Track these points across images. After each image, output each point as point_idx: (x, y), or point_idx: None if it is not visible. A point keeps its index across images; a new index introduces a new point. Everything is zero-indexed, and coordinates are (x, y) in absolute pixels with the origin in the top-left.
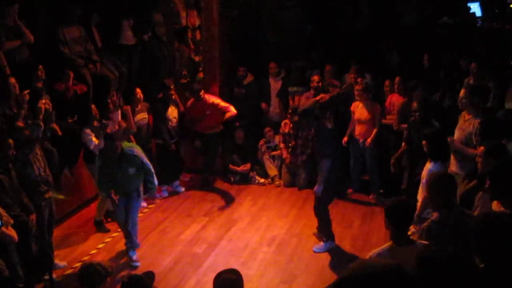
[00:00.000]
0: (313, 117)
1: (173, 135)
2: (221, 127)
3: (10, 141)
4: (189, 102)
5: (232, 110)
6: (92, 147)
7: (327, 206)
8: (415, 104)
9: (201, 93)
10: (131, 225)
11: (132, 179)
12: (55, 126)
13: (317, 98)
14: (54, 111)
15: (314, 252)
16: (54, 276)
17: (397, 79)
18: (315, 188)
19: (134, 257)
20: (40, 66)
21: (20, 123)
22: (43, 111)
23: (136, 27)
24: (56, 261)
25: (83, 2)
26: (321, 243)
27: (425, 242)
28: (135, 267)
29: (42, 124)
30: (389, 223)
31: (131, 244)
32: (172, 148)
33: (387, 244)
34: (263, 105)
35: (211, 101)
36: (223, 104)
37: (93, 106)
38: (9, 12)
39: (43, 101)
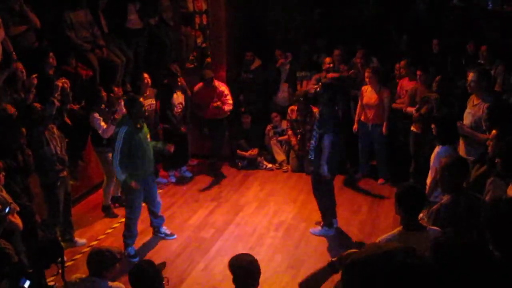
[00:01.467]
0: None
1: (178, 121)
2: (227, 112)
3: (23, 129)
4: (197, 87)
5: (228, 104)
6: (100, 131)
7: (330, 187)
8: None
9: (213, 82)
10: (158, 206)
11: (151, 155)
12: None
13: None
14: (71, 92)
15: (310, 233)
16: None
17: (402, 62)
18: (321, 170)
19: (164, 230)
20: (51, 53)
21: (37, 104)
22: (59, 89)
23: (142, 11)
24: (76, 238)
25: None
26: (318, 227)
27: (436, 228)
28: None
29: (56, 101)
30: (399, 208)
31: (161, 220)
32: (181, 131)
33: (397, 229)
34: None
35: (220, 89)
36: (226, 94)
37: (102, 89)
38: None
39: (62, 80)
